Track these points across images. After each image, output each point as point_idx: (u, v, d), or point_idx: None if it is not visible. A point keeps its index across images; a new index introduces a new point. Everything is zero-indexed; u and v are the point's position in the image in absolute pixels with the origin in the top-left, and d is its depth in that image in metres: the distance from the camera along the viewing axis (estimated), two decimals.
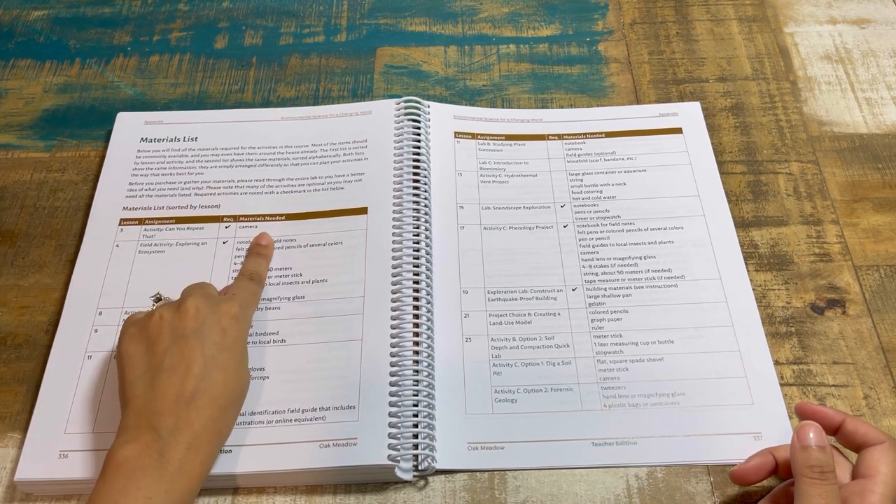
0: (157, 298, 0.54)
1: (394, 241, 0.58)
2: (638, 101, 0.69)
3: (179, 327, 0.47)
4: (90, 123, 0.68)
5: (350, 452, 0.49)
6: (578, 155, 0.65)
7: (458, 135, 0.66)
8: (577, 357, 0.54)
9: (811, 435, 0.44)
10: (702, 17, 0.75)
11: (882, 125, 0.67)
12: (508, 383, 0.53)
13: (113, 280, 0.57)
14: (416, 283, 0.56)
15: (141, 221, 0.60)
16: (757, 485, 0.48)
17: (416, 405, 0.51)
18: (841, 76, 0.70)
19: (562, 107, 0.68)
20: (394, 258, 0.57)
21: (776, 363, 0.54)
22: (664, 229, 0.60)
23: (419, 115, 0.65)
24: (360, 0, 0.77)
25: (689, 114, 0.67)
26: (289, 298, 0.56)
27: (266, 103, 0.69)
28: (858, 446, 0.46)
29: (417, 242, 0.58)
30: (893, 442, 0.45)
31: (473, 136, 0.66)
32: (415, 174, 0.61)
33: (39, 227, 0.62)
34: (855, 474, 0.45)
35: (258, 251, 0.57)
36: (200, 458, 0.44)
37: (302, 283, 0.57)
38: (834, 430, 0.47)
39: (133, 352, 0.48)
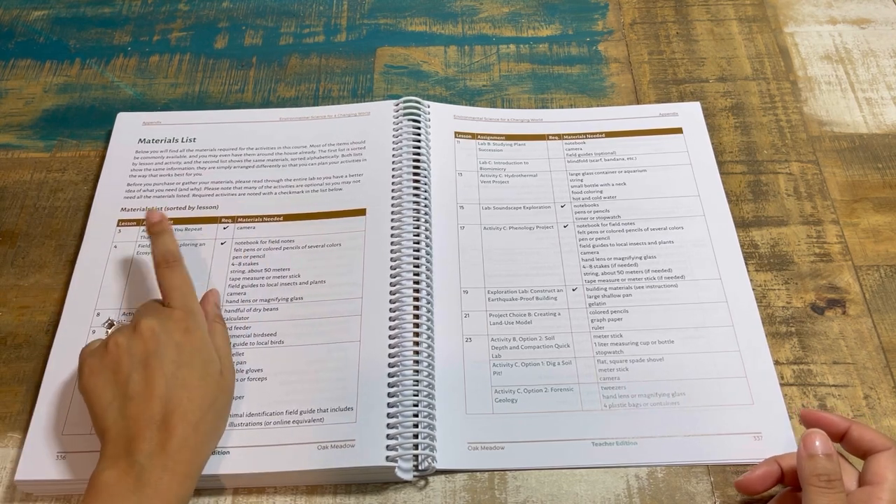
0: (110, 325, 0.54)
1: (392, 242, 0.58)
2: (638, 101, 0.69)
3: (137, 352, 0.47)
4: (90, 123, 0.68)
5: (348, 454, 0.49)
6: (578, 155, 0.65)
7: (458, 135, 0.66)
8: (577, 357, 0.54)
9: (817, 443, 0.43)
10: (702, 17, 0.75)
11: (882, 125, 0.67)
12: (508, 383, 0.53)
13: (111, 281, 0.57)
14: (416, 283, 0.56)
15: (139, 222, 0.60)
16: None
17: (416, 405, 0.51)
18: (841, 76, 0.70)
19: (562, 107, 0.68)
20: (392, 259, 0.57)
21: (776, 363, 0.54)
22: (664, 229, 0.60)
23: (419, 115, 0.65)
24: (360, 0, 0.77)
25: (689, 114, 0.67)
26: (287, 299, 0.56)
27: (266, 103, 0.69)
28: (864, 453, 0.45)
29: (417, 243, 0.58)
30: None
31: (473, 136, 0.66)
32: (415, 174, 0.61)
33: (39, 227, 0.62)
34: (861, 481, 0.44)
35: (157, 230, 0.54)
36: (178, 478, 0.44)
37: (300, 284, 0.57)
38: (839, 436, 0.46)
39: (96, 385, 0.47)
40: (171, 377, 0.46)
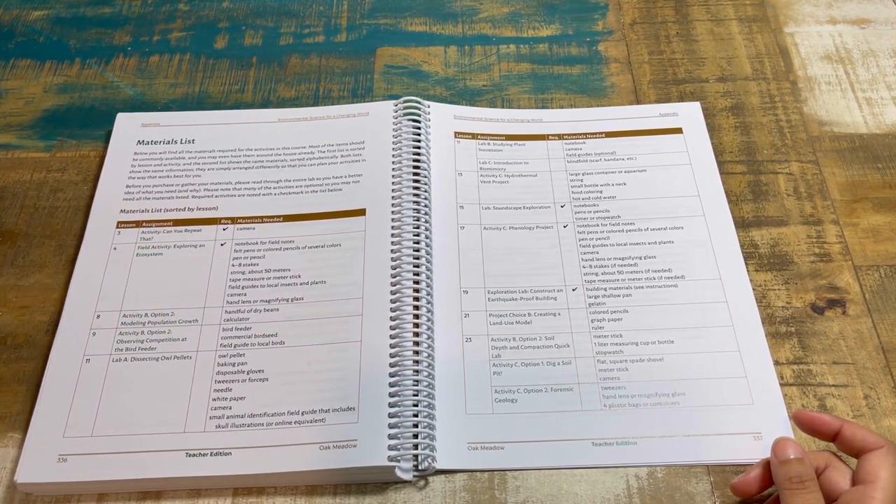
0: None
1: (392, 243, 0.58)
2: (638, 101, 0.69)
3: None
4: (90, 123, 0.68)
5: (350, 454, 0.49)
6: (578, 155, 0.65)
7: (458, 135, 0.66)
8: (577, 357, 0.54)
9: (788, 449, 0.45)
10: (702, 17, 0.75)
11: (882, 125, 0.67)
12: (508, 383, 0.53)
13: (110, 283, 0.57)
14: (416, 283, 0.56)
15: (138, 224, 0.60)
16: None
17: (416, 405, 0.51)
18: (841, 76, 0.70)
19: (562, 107, 0.68)
20: (392, 259, 0.57)
21: (776, 363, 0.54)
22: (664, 229, 0.60)
23: (419, 116, 0.65)
24: (360, 0, 0.77)
25: (689, 114, 0.67)
26: (287, 300, 0.56)
27: (266, 103, 0.69)
28: (857, 452, 0.46)
29: (417, 243, 0.58)
30: (892, 446, 0.45)
31: (473, 136, 0.66)
32: (415, 174, 0.61)
33: (39, 227, 0.62)
34: (855, 480, 0.45)
35: None
36: None
37: (300, 284, 0.57)
38: (832, 436, 0.47)
39: None
40: None
